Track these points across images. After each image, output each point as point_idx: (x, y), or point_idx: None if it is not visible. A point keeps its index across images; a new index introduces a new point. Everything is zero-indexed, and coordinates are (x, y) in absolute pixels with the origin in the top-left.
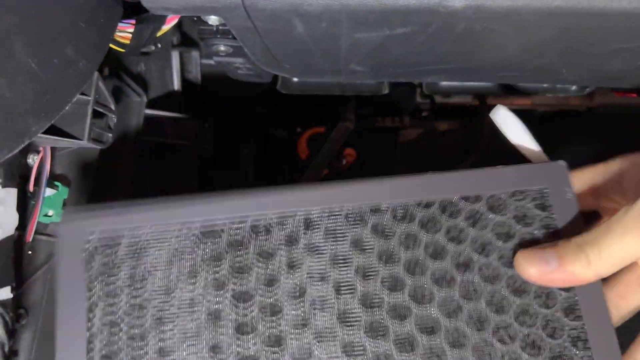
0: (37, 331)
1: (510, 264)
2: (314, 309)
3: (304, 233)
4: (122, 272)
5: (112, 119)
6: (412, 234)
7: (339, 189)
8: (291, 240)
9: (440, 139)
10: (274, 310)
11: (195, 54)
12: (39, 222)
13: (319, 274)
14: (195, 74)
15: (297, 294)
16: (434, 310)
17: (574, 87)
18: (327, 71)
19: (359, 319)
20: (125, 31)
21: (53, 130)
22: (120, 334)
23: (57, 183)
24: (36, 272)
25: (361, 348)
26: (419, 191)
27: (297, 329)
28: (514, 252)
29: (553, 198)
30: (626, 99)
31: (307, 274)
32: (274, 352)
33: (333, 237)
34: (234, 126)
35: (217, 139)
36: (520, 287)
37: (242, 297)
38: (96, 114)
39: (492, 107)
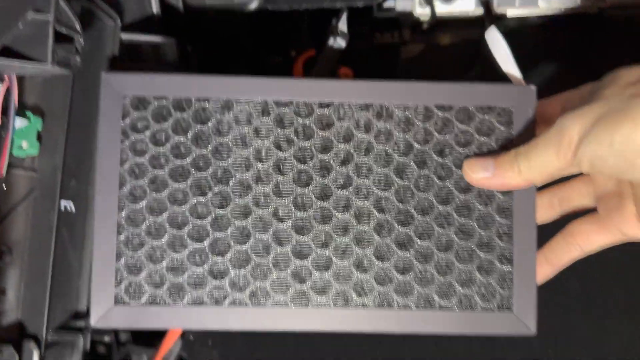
0: (23, 269)
1: (460, 168)
2: (297, 180)
3: (297, 117)
4: (148, 130)
5: (79, 41)
6: (387, 130)
7: (334, 85)
8: (286, 123)
9: (443, 54)
10: (266, 178)
11: None
12: (14, 157)
13: (302, 155)
14: None
15: (285, 168)
16: (389, 194)
17: None
18: None
19: (331, 193)
20: None
21: (12, 54)
22: (145, 179)
23: (28, 113)
24: (15, 209)
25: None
26: (401, 95)
27: (281, 197)
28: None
29: (516, 117)
30: None
31: (295, 152)
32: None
33: (320, 125)
34: (223, 53)
35: (204, 66)
36: (466, 186)
37: (240, 164)
38: (61, 37)
39: (497, 17)
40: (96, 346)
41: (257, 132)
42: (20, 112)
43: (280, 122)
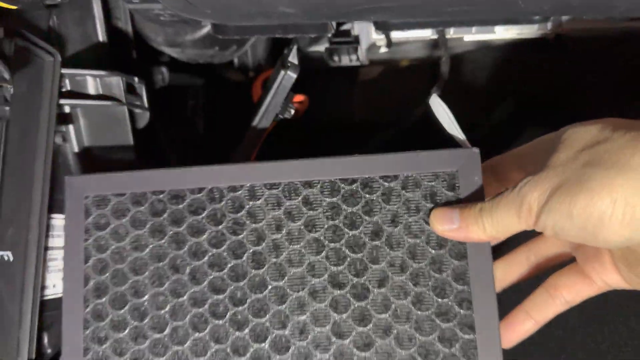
0: None
1: (415, 236)
2: (251, 262)
3: (248, 201)
4: (109, 226)
5: (8, 90)
6: (335, 206)
7: (281, 165)
8: (237, 207)
9: (402, 76)
10: (221, 264)
11: None
12: None
13: (257, 237)
14: (124, 21)
15: (239, 251)
16: (342, 268)
17: (536, 17)
18: (255, 15)
19: (284, 273)
20: None
21: None
22: (107, 274)
23: None
24: None
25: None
26: (345, 170)
27: (237, 280)
28: (419, 225)
29: (462, 180)
30: (596, 22)
31: (248, 235)
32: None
33: (272, 205)
34: (179, 72)
35: (158, 91)
36: (418, 253)
37: (196, 251)
38: None
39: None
40: None
41: (210, 218)
42: None
43: (234, 207)
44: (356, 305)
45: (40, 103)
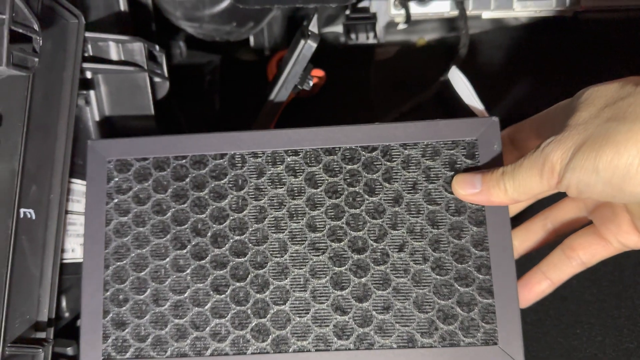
0: None
1: (434, 202)
2: (271, 227)
3: (270, 167)
4: (131, 190)
5: (38, 41)
6: (355, 173)
7: (302, 132)
8: (259, 173)
9: (417, 55)
10: (242, 227)
11: None
12: None
13: (278, 202)
14: None
15: (260, 216)
16: (362, 233)
17: None
18: None
19: (305, 238)
20: None
21: None
22: (128, 237)
23: None
24: None
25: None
26: (366, 138)
27: (258, 244)
28: (439, 192)
29: (482, 148)
30: (615, 0)
31: (269, 200)
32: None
33: (292, 172)
34: (195, 49)
35: (174, 65)
36: (438, 219)
37: (218, 215)
38: (18, 37)
39: (471, 18)
40: (58, 359)
41: (232, 183)
42: None
43: (255, 172)
44: (376, 270)
45: (64, 63)
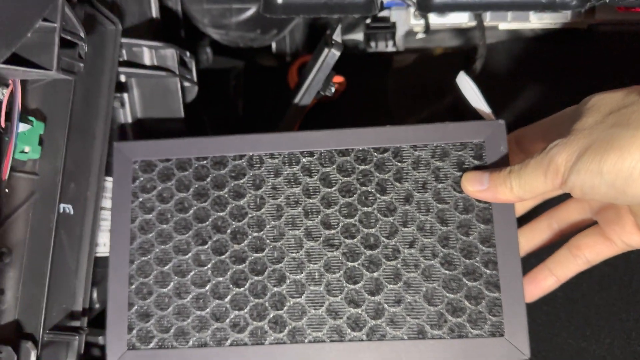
0: (22, 270)
1: (443, 201)
2: (287, 224)
3: (289, 167)
4: (155, 189)
5: (83, 47)
6: (368, 173)
7: (317, 134)
8: (276, 173)
9: (435, 64)
10: (260, 225)
11: None
12: (15, 160)
13: (294, 201)
14: (174, 1)
15: (277, 214)
16: (374, 230)
17: (574, 2)
18: None
19: (320, 234)
20: None
21: (19, 61)
22: (152, 234)
23: (31, 118)
24: (16, 211)
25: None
26: (377, 139)
27: (275, 241)
28: (448, 191)
29: (488, 150)
30: (629, 15)
31: (285, 199)
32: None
33: (308, 172)
34: (219, 55)
35: (202, 70)
36: (447, 217)
37: (236, 214)
38: (65, 43)
39: (487, 29)
40: (91, 348)
41: (251, 183)
42: (23, 116)
43: (273, 173)
44: (387, 265)
45: (102, 68)
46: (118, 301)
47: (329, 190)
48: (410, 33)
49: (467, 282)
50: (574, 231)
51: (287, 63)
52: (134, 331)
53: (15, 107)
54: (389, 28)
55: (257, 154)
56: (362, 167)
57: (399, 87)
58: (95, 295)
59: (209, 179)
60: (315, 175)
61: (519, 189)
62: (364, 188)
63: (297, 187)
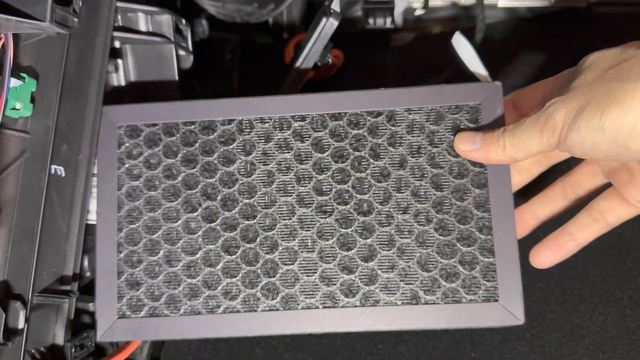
0: (12, 229)
1: (438, 166)
2: (279, 191)
3: (279, 132)
4: (142, 155)
5: (77, 1)
6: (361, 137)
7: (309, 97)
8: (267, 138)
9: (433, 42)
10: (251, 191)
11: None
12: (6, 117)
13: (286, 166)
14: None
15: (268, 180)
16: (367, 196)
17: None
18: None
19: (312, 201)
20: None
21: (10, 11)
22: (140, 201)
23: (23, 74)
24: (6, 169)
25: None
26: (371, 103)
27: (267, 207)
28: (442, 156)
29: (485, 112)
30: None
31: (277, 164)
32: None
33: (299, 137)
34: (215, 30)
35: (198, 42)
36: (441, 182)
37: (226, 180)
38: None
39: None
40: (81, 315)
41: (241, 148)
42: (15, 72)
43: (263, 138)
44: (381, 231)
45: (97, 29)
46: (107, 269)
47: (322, 155)
48: (409, 10)
49: (461, 247)
50: (590, 196)
51: (284, 40)
52: (124, 299)
53: (7, 61)
54: (388, 3)
55: (247, 118)
56: (355, 132)
57: (397, 65)
58: (86, 263)
59: (197, 145)
60: (307, 140)
61: (511, 148)
62: (357, 153)
63: (288, 152)
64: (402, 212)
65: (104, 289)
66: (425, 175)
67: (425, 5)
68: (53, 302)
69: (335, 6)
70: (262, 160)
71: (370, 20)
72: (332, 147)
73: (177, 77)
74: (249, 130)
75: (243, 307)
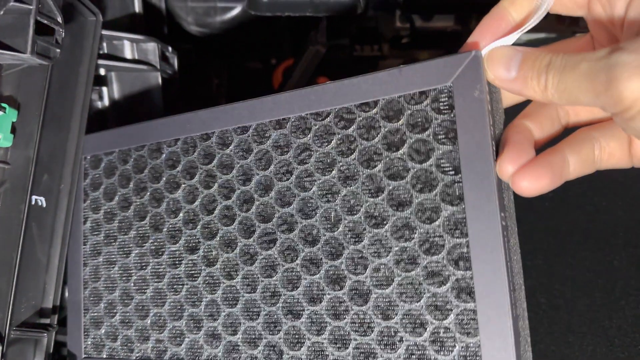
0: None
1: (396, 176)
2: (222, 219)
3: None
4: (101, 187)
5: (60, 33)
6: (306, 146)
7: (249, 104)
8: (210, 157)
9: None
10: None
11: None
12: None
13: (227, 189)
14: None
15: (210, 206)
16: (314, 220)
17: None
18: None
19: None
20: None
21: None
22: (101, 235)
23: (4, 105)
24: None
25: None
26: (316, 103)
27: (208, 239)
28: (407, 160)
29: (458, 99)
30: None
31: (219, 188)
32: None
33: (242, 153)
34: (203, 55)
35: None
36: (400, 199)
37: (173, 209)
38: (42, 29)
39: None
40: (60, 347)
41: (187, 172)
42: None
43: (204, 157)
44: (329, 265)
45: (80, 58)
46: (75, 306)
47: (264, 173)
48: (396, 38)
49: (428, 287)
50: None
51: (272, 65)
52: (89, 338)
53: None
54: (375, 31)
55: (191, 136)
56: (300, 141)
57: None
58: (66, 294)
59: (146, 171)
60: (250, 155)
61: (554, 92)
62: (301, 167)
63: (229, 173)
64: (354, 240)
65: (73, 327)
66: (382, 191)
67: (412, 33)
68: (31, 337)
69: (322, 36)
70: (205, 184)
71: (357, 47)
72: (275, 162)
73: (162, 106)
74: (193, 149)
75: (187, 355)
